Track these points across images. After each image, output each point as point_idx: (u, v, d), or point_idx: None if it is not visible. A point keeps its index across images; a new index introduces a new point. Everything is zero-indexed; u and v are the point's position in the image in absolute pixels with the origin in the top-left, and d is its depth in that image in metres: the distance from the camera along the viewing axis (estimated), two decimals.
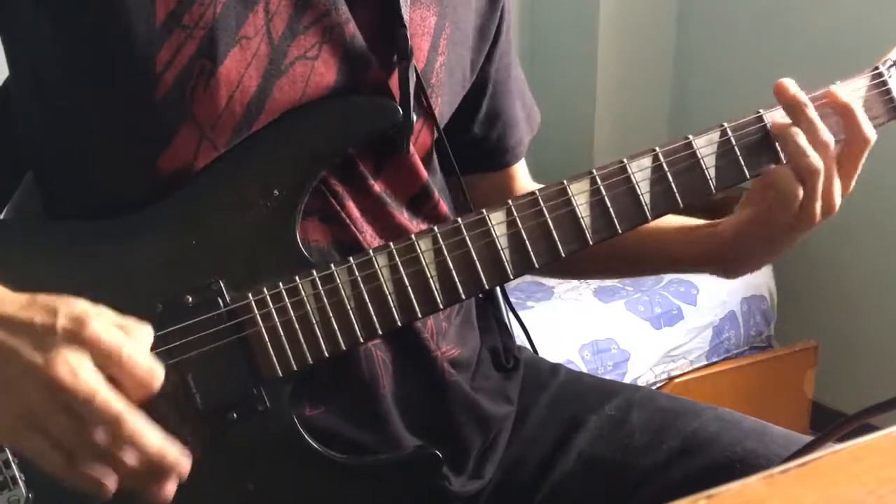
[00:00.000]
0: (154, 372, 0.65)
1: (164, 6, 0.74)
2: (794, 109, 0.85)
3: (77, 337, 0.63)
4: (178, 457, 0.66)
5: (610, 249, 0.94)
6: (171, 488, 0.67)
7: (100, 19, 0.74)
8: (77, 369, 0.62)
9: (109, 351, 0.63)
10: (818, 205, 0.85)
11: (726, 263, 0.95)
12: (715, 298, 2.36)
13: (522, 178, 1.06)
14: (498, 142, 1.02)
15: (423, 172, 0.87)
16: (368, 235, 0.82)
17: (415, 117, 0.82)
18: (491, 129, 1.01)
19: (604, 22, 2.78)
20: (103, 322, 0.64)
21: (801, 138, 0.84)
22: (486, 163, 1.02)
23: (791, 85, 0.86)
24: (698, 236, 0.96)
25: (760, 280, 2.43)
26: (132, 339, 0.65)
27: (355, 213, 0.82)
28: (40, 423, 0.63)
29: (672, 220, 0.96)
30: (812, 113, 0.85)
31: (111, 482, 0.65)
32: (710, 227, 0.95)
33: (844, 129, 0.86)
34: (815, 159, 0.84)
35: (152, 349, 0.70)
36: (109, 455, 0.64)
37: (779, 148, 0.86)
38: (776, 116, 0.86)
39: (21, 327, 0.64)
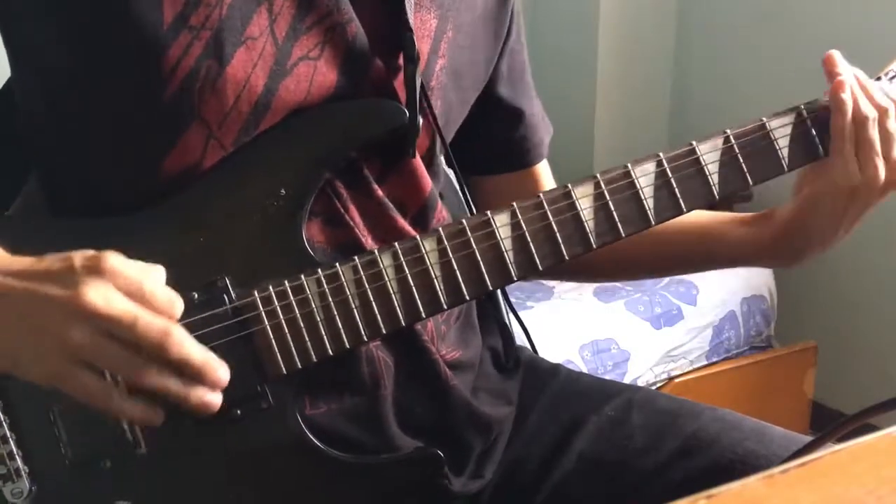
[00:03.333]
0: (174, 301, 0.67)
1: (171, 8, 0.74)
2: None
3: (98, 270, 0.65)
4: (221, 364, 0.68)
5: (656, 250, 0.96)
6: (217, 398, 0.69)
7: (107, 21, 0.75)
8: (108, 297, 0.64)
9: (131, 281, 0.65)
10: (879, 160, 0.86)
11: (788, 251, 0.95)
12: (715, 298, 2.36)
13: (546, 180, 1.06)
14: (521, 140, 1.02)
15: (428, 179, 0.87)
16: (370, 239, 0.82)
17: (420, 121, 0.83)
18: (514, 127, 1.01)
19: (604, 22, 2.78)
20: (118, 257, 0.66)
21: (854, 87, 0.86)
22: (510, 162, 1.02)
23: (839, 59, 0.88)
24: (755, 229, 0.96)
25: (760, 280, 2.43)
26: (150, 272, 0.67)
27: (358, 216, 0.82)
28: (86, 356, 0.65)
29: (714, 217, 0.97)
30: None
31: (162, 403, 0.68)
32: (763, 218, 0.96)
33: None
34: (868, 106, 0.85)
35: None
36: (154, 372, 0.66)
37: (816, 140, 0.87)
38: (779, 124, 0.87)
39: (41, 275, 0.66)
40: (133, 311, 0.65)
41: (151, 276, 0.67)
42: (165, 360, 0.66)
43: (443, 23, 0.88)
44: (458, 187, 0.98)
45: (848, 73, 0.87)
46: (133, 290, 0.66)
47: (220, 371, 0.69)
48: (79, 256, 0.66)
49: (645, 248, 0.96)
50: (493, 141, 1.00)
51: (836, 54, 0.88)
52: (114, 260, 0.66)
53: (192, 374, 0.68)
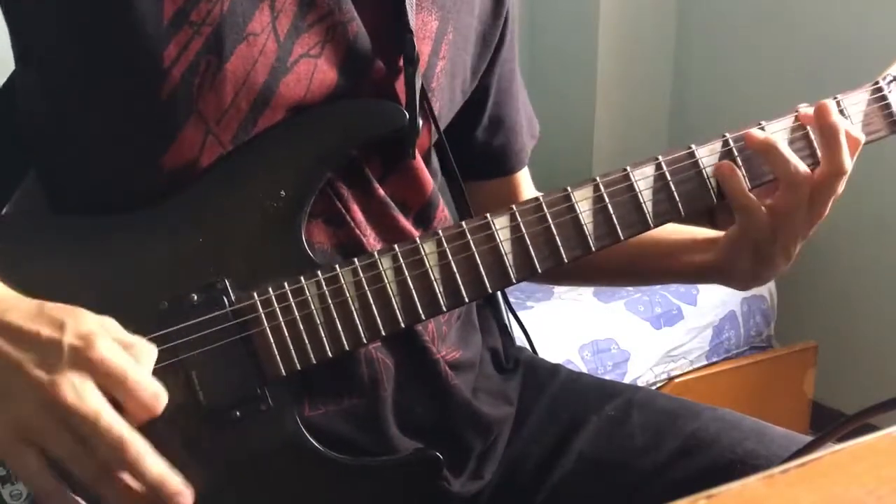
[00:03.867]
0: (158, 396, 0.65)
1: (171, 3, 0.74)
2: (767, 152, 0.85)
3: (83, 357, 0.63)
4: (178, 487, 0.65)
5: (618, 260, 0.94)
6: None
7: (107, 16, 0.75)
8: (81, 391, 0.62)
9: (115, 375, 0.63)
10: (802, 212, 0.85)
11: (727, 277, 0.95)
12: (715, 298, 2.36)
13: (526, 187, 1.06)
14: (501, 148, 1.02)
15: (429, 178, 0.87)
16: (372, 239, 0.82)
17: (421, 122, 0.83)
18: (494, 135, 1.01)
19: (604, 22, 2.78)
20: (109, 343, 0.64)
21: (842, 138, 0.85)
22: (489, 169, 1.02)
23: (758, 134, 0.86)
24: (700, 249, 0.96)
25: None
26: (137, 362, 0.65)
27: (359, 216, 0.82)
28: (38, 439, 0.63)
29: (677, 231, 0.96)
30: (784, 148, 0.85)
31: None
32: (710, 241, 0.95)
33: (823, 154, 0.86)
34: (847, 161, 0.84)
35: (157, 346, 0.70)
36: (105, 478, 0.64)
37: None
38: (778, 128, 0.87)
39: (27, 340, 0.63)
40: (96, 412, 0.62)
41: (138, 367, 0.65)
42: (121, 469, 0.63)
43: (444, 24, 0.88)
44: (455, 189, 0.98)
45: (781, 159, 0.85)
46: (114, 382, 0.63)
47: (179, 493, 0.65)
48: (71, 332, 0.63)
49: (618, 256, 0.94)
50: (473, 147, 1.00)
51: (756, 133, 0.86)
52: (104, 346, 0.63)
53: (148, 488, 0.64)
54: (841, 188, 0.86)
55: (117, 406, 0.64)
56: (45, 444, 0.63)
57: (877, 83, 0.91)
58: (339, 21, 0.80)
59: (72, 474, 0.64)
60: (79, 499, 0.65)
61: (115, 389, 0.63)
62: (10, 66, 0.84)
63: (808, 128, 0.87)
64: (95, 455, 0.63)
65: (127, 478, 0.64)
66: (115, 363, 0.63)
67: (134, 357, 0.65)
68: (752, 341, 2.45)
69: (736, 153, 0.86)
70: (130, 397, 0.64)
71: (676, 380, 2.31)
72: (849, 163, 0.85)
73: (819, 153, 0.86)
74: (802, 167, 0.84)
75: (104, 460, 0.63)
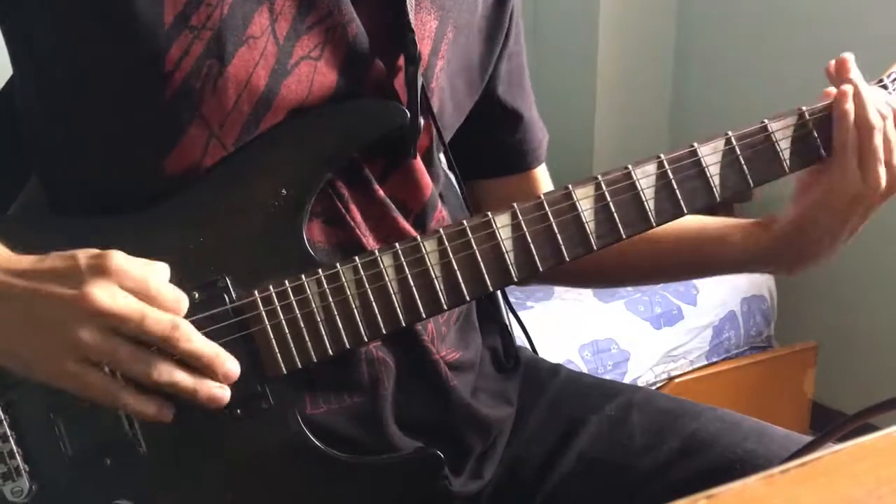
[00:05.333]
0: (179, 299, 0.68)
1: (171, 8, 0.74)
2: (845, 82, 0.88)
3: (103, 268, 0.65)
4: (230, 357, 0.70)
5: (654, 255, 0.96)
6: (226, 392, 0.70)
7: (108, 21, 0.75)
8: (114, 294, 0.65)
9: (136, 280, 0.66)
10: (881, 167, 0.86)
11: (789, 258, 0.95)
12: (715, 298, 2.36)
13: (545, 183, 1.06)
14: (520, 144, 1.02)
15: (429, 179, 0.87)
16: (371, 239, 0.82)
17: (422, 122, 0.83)
18: (513, 131, 1.01)
19: (604, 22, 2.78)
20: (123, 256, 0.67)
21: (859, 95, 0.87)
22: (508, 165, 1.02)
23: (852, 65, 0.89)
24: (754, 235, 0.96)
25: (760, 280, 2.43)
26: (155, 270, 0.68)
27: (359, 217, 0.82)
28: (94, 355, 0.66)
29: (713, 222, 0.97)
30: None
31: (170, 400, 0.69)
32: (763, 224, 0.96)
33: None
34: (874, 114, 0.86)
35: None
36: (164, 366, 0.67)
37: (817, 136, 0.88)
38: (781, 126, 0.87)
39: (46, 274, 0.66)
40: (140, 308, 0.65)
41: (156, 274, 0.68)
42: (174, 356, 0.67)
43: (443, 24, 0.88)
44: (458, 189, 0.98)
45: (853, 80, 0.87)
46: (139, 288, 0.66)
47: (229, 364, 0.70)
48: (83, 255, 0.66)
49: (642, 254, 0.96)
50: (492, 144, 1.00)
51: (850, 59, 0.89)
52: (118, 258, 0.66)
53: (201, 368, 0.68)
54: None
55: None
56: (100, 355, 0.66)
57: (881, 81, 0.91)
58: (338, 22, 0.80)
59: (133, 376, 0.67)
60: (152, 402, 0.69)
61: (139, 293, 0.66)
62: (10, 68, 0.84)
63: (811, 125, 0.88)
64: (148, 350, 0.66)
65: (187, 362, 0.67)
66: (133, 268, 0.66)
67: (149, 266, 0.68)
68: (752, 341, 2.45)
69: (738, 151, 0.86)
70: (155, 300, 0.67)
71: (676, 380, 2.31)
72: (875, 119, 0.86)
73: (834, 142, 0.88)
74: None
75: (157, 354, 0.67)
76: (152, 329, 0.66)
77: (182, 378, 0.68)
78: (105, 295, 0.65)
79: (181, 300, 0.69)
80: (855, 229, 0.91)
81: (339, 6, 0.80)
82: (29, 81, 0.82)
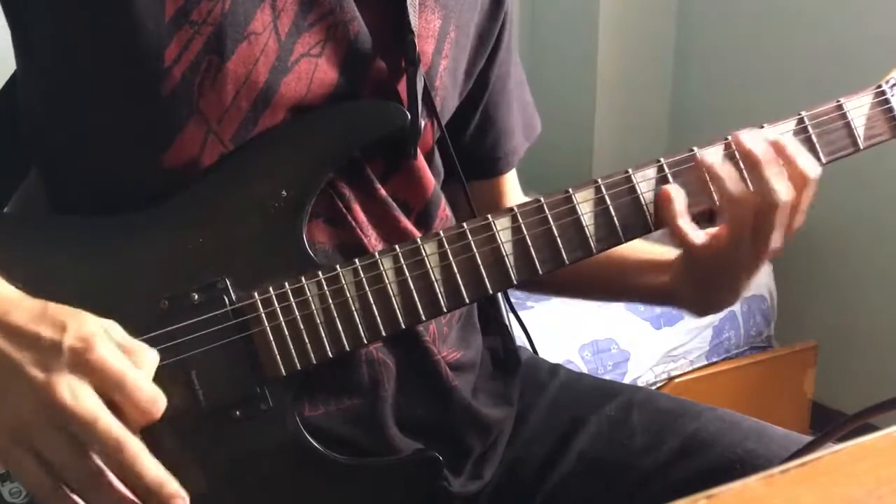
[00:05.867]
0: (156, 401, 0.65)
1: (172, 2, 0.74)
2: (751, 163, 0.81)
3: (82, 360, 0.62)
4: (176, 490, 0.65)
5: (590, 273, 0.94)
6: None
7: (108, 15, 0.75)
8: (78, 393, 0.62)
9: (113, 377, 0.63)
10: (746, 241, 0.81)
11: (679, 302, 0.94)
12: None
13: (511, 189, 1.05)
14: (490, 150, 1.01)
15: (431, 178, 0.87)
16: (373, 239, 0.82)
17: (423, 123, 0.82)
18: (484, 136, 1.00)
19: (604, 22, 2.78)
20: (109, 346, 0.64)
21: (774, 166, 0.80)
22: (475, 170, 1.00)
23: (746, 139, 0.81)
24: (658, 271, 0.94)
25: (760, 280, 2.43)
26: (136, 366, 0.65)
27: (361, 216, 0.82)
28: (33, 441, 0.62)
29: (643, 251, 0.96)
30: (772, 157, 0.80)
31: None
32: (669, 264, 0.93)
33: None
34: (784, 191, 0.79)
35: (157, 346, 0.70)
36: (100, 485, 0.63)
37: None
38: (784, 129, 0.86)
39: (27, 341, 0.63)
40: (94, 413, 0.62)
41: (137, 371, 0.65)
42: (117, 472, 0.63)
43: (446, 23, 0.88)
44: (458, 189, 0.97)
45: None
46: (112, 385, 0.63)
47: (178, 493, 0.65)
48: (73, 333, 0.63)
49: (590, 270, 0.93)
50: (461, 147, 0.98)
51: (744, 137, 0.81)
52: (103, 349, 0.63)
53: (144, 493, 0.64)
54: (782, 220, 0.80)
55: (116, 412, 0.64)
56: (41, 447, 0.62)
57: (880, 87, 0.91)
58: (340, 20, 0.80)
59: (67, 482, 0.63)
60: (77, 499, 0.64)
61: (112, 392, 0.63)
62: (10, 65, 0.84)
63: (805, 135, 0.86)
64: (90, 460, 0.62)
65: (119, 485, 0.63)
66: (113, 366, 0.63)
67: (135, 361, 0.65)
68: (752, 341, 2.45)
69: (739, 156, 0.85)
70: (128, 401, 0.64)
71: (676, 380, 2.31)
72: (781, 193, 0.78)
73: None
74: (739, 189, 0.79)
75: (97, 468, 0.62)
76: (98, 438, 0.62)
77: (116, 500, 0.63)
78: (68, 393, 0.61)
79: (157, 401, 0.65)
80: (742, 284, 0.86)
81: (341, 4, 0.80)
82: (31, 75, 0.82)
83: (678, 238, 0.82)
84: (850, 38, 2.38)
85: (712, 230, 0.83)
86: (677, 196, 0.81)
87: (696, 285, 0.89)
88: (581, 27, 2.84)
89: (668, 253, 0.94)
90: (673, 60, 2.94)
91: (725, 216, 0.81)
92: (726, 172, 0.80)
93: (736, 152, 0.81)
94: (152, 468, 0.64)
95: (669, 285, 0.93)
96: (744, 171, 0.80)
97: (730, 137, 0.82)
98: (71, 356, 0.62)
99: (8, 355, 0.63)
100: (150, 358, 0.67)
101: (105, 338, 0.64)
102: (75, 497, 0.64)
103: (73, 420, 0.61)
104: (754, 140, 0.80)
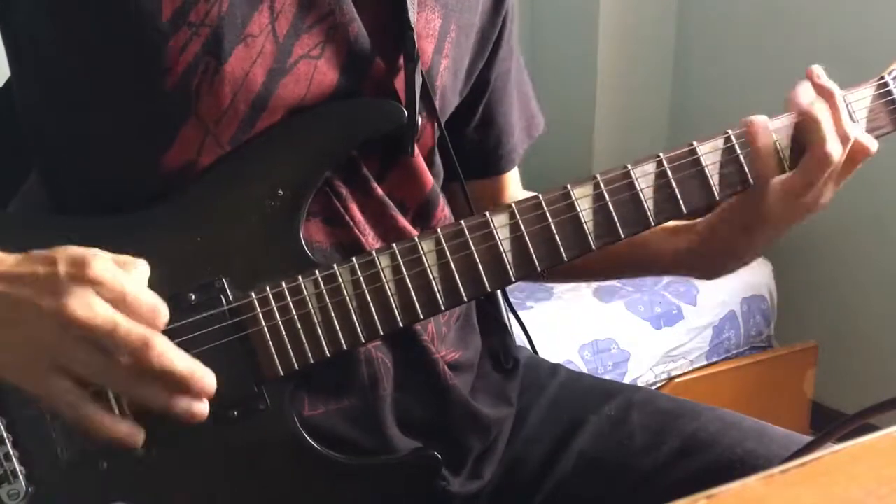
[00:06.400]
0: (157, 307, 0.66)
1: (170, 4, 0.74)
2: (823, 93, 0.86)
3: (82, 277, 0.64)
4: (207, 372, 0.67)
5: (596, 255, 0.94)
6: (204, 407, 0.68)
7: (106, 16, 0.75)
8: (91, 305, 0.64)
9: (114, 288, 0.65)
10: (812, 192, 0.84)
11: (697, 262, 0.95)
12: (715, 298, 2.36)
13: (513, 187, 1.06)
14: (493, 148, 1.01)
15: (429, 176, 0.87)
16: (371, 238, 0.82)
17: (420, 120, 0.82)
18: (486, 135, 1.00)
19: (604, 22, 2.78)
20: (103, 262, 0.65)
21: (828, 125, 0.84)
22: (477, 168, 1.00)
23: (821, 72, 0.87)
24: (675, 234, 0.95)
25: (760, 280, 2.43)
26: (132, 277, 0.67)
27: (358, 215, 0.82)
28: (65, 363, 0.65)
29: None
30: (840, 101, 0.85)
31: (141, 422, 0.68)
32: (685, 227, 0.95)
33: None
34: (836, 149, 0.83)
35: None
36: (137, 382, 0.65)
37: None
38: (780, 125, 0.86)
39: (25, 279, 0.65)
40: (112, 320, 0.64)
41: (132, 282, 0.66)
42: (148, 369, 0.65)
43: (446, 23, 0.88)
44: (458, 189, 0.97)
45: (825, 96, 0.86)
46: (115, 296, 0.65)
47: (207, 379, 0.67)
48: (63, 261, 0.65)
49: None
50: (462, 146, 0.98)
51: (819, 69, 0.87)
52: (98, 266, 0.65)
53: (175, 384, 0.66)
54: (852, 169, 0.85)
55: None
56: (73, 365, 0.65)
57: (882, 78, 0.91)
58: (339, 22, 0.80)
59: (109, 387, 0.67)
60: (122, 420, 0.68)
61: (116, 304, 0.65)
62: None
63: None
64: (122, 365, 0.65)
65: (160, 378, 0.65)
66: (112, 279, 0.65)
67: (129, 273, 0.67)
68: (752, 341, 2.45)
69: (738, 150, 0.85)
70: (131, 309, 0.65)
71: (676, 380, 2.31)
72: (834, 150, 0.83)
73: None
74: (839, 148, 0.83)
75: (129, 366, 0.65)
76: (124, 342, 0.64)
77: (153, 393, 0.66)
78: (80, 305, 0.63)
79: (159, 308, 0.66)
80: (761, 244, 0.90)
81: (340, 5, 0.80)
82: (29, 77, 0.82)
83: (764, 174, 0.84)
84: (851, 38, 2.38)
85: (786, 179, 0.84)
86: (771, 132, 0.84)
87: (737, 234, 0.89)
88: (581, 27, 2.84)
89: (676, 221, 0.96)
90: (673, 60, 2.94)
91: (810, 162, 0.83)
92: (826, 120, 0.84)
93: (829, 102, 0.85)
94: (182, 358, 0.66)
95: (695, 242, 0.93)
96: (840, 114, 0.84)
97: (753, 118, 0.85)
98: (70, 279, 0.64)
99: (14, 295, 0.65)
100: (141, 269, 0.68)
101: (95, 255, 0.66)
102: (109, 415, 0.67)
103: (94, 330, 0.64)
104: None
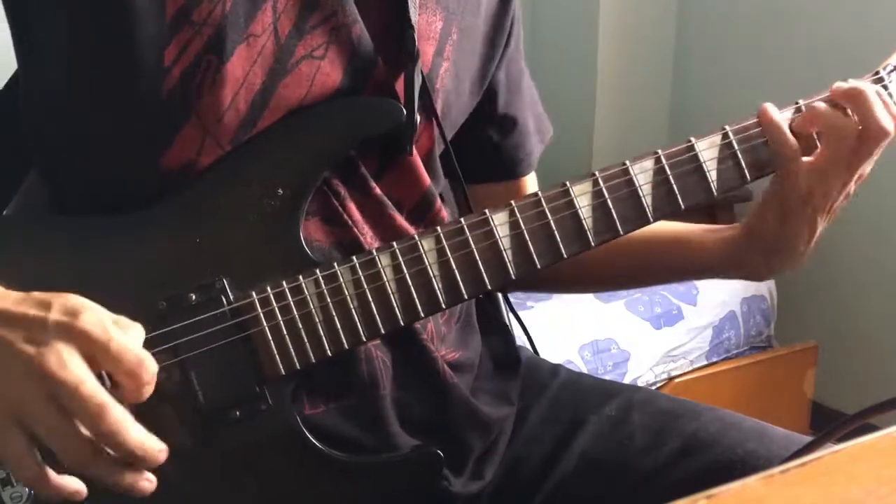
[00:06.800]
0: (143, 362, 0.65)
1: (173, 3, 0.74)
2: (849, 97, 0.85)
3: (68, 329, 0.63)
4: (159, 450, 0.65)
5: (623, 262, 0.95)
6: (151, 485, 0.66)
7: (109, 14, 0.75)
8: (65, 360, 0.62)
9: (98, 342, 0.63)
10: (842, 169, 0.85)
11: (743, 262, 0.94)
12: (715, 298, 2.35)
13: (532, 190, 1.05)
14: (513, 150, 1.01)
15: (426, 176, 0.87)
16: (369, 237, 0.82)
17: (418, 118, 0.82)
18: (506, 136, 1.00)
19: (604, 22, 2.78)
20: (94, 315, 0.64)
21: (875, 99, 0.84)
22: (501, 171, 1.01)
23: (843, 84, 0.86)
24: (715, 236, 0.95)
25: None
26: (122, 332, 0.65)
27: (357, 214, 0.82)
28: (24, 416, 0.63)
29: (683, 225, 0.96)
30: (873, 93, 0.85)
31: (85, 484, 0.65)
32: (731, 227, 0.94)
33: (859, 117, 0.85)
34: (887, 121, 0.84)
35: (155, 347, 0.70)
36: (89, 456, 0.64)
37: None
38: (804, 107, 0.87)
39: (15, 320, 0.64)
40: (79, 379, 0.62)
41: (122, 335, 0.65)
42: (101, 437, 0.63)
43: (448, 25, 0.88)
44: (458, 192, 0.97)
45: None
46: (99, 347, 0.63)
47: (159, 454, 0.65)
48: (57, 308, 0.64)
49: (619, 257, 0.95)
50: (484, 149, 0.99)
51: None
52: (89, 318, 0.64)
53: (126, 455, 0.64)
54: (878, 151, 0.85)
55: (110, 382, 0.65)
56: (31, 418, 0.63)
57: (877, 73, 0.91)
58: (342, 23, 0.80)
59: (57, 456, 0.64)
60: (65, 478, 0.65)
61: (100, 359, 0.64)
62: (10, 65, 0.84)
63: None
64: (77, 430, 0.63)
65: (111, 448, 0.64)
66: (97, 331, 0.64)
67: (122, 329, 0.65)
68: (752, 341, 2.45)
69: (736, 146, 0.85)
70: (115, 365, 0.64)
71: (676, 380, 2.31)
72: (884, 120, 0.84)
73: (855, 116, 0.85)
74: (848, 121, 0.84)
75: (84, 437, 0.63)
76: (82, 404, 0.62)
77: (103, 473, 0.64)
78: (56, 361, 0.62)
79: (144, 363, 0.64)
80: (810, 234, 0.90)
81: (343, 6, 0.80)
82: (32, 75, 0.82)
83: (785, 156, 0.84)
84: (850, 38, 2.38)
85: (812, 157, 0.85)
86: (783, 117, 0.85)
87: (778, 226, 0.88)
88: (581, 27, 2.84)
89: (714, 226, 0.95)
90: (673, 60, 2.94)
91: (831, 139, 0.84)
92: (829, 110, 0.85)
93: (835, 97, 0.85)
94: (134, 433, 0.64)
95: (736, 243, 0.92)
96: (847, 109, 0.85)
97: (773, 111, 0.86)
98: (57, 328, 0.63)
99: (1, 337, 0.64)
100: (135, 327, 0.67)
101: (90, 309, 0.65)
102: (64, 478, 0.65)
103: (59, 386, 0.62)
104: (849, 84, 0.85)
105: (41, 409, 0.63)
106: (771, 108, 0.86)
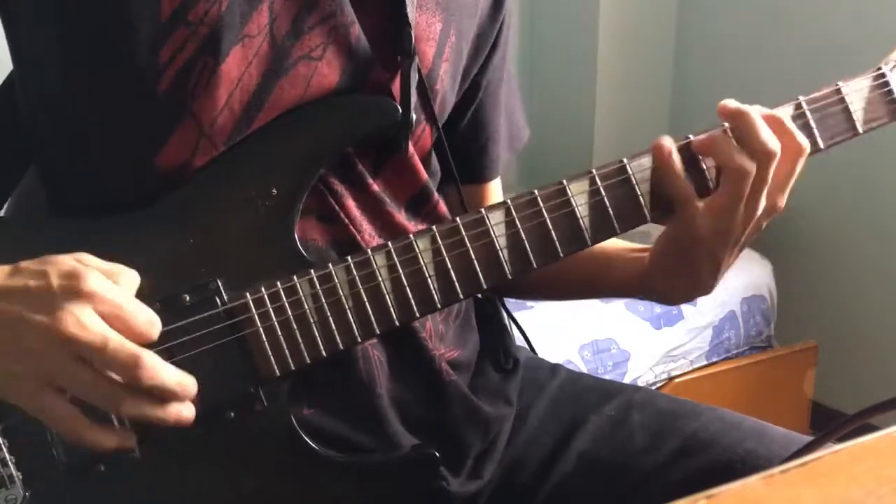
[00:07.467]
0: (153, 322, 0.67)
1: (169, 3, 0.74)
2: (731, 115, 0.81)
3: (75, 292, 0.64)
4: (191, 379, 0.68)
5: (569, 273, 0.93)
6: (191, 410, 0.68)
7: (104, 14, 0.75)
8: (84, 321, 0.64)
9: (110, 304, 0.65)
10: (740, 208, 0.80)
11: (652, 288, 0.91)
12: (715, 298, 2.35)
13: (496, 198, 1.04)
14: (478, 154, 1.00)
15: (423, 173, 0.87)
16: (367, 235, 0.82)
17: (414, 116, 0.82)
18: (474, 139, 0.99)
19: (604, 22, 2.78)
20: (96, 275, 0.65)
21: (731, 142, 0.80)
22: (463, 175, 0.97)
23: (731, 103, 0.82)
24: (631, 260, 0.93)
25: (760, 280, 2.43)
26: (124, 288, 0.67)
27: (354, 212, 0.82)
28: (58, 381, 0.65)
29: (614, 244, 0.94)
30: (754, 118, 0.80)
31: (133, 432, 0.68)
32: (642, 250, 0.93)
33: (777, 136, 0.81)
34: (745, 163, 0.79)
35: (150, 347, 0.70)
36: (128, 400, 0.65)
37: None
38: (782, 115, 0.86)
39: (17, 294, 0.65)
40: (103, 336, 0.64)
41: (129, 298, 0.67)
42: (139, 386, 0.65)
43: (447, 26, 0.88)
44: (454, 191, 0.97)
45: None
46: (111, 309, 0.65)
47: (192, 387, 0.68)
48: (55, 274, 0.65)
49: (570, 269, 0.92)
50: (452, 151, 0.97)
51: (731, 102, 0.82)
52: (92, 279, 0.65)
53: (164, 397, 0.67)
54: (777, 180, 0.80)
55: None
56: (66, 382, 0.65)
57: (879, 69, 0.90)
58: (340, 24, 0.80)
59: (97, 405, 0.66)
60: (108, 426, 0.68)
61: (111, 320, 0.65)
62: (8, 65, 0.84)
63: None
64: (112, 381, 0.65)
65: (150, 393, 0.66)
66: (107, 295, 0.65)
67: (120, 283, 0.67)
68: (752, 341, 2.44)
69: (730, 119, 0.84)
70: (127, 324, 0.65)
71: (676, 380, 2.31)
72: (774, 146, 0.79)
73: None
74: (747, 161, 0.79)
75: (119, 384, 0.65)
76: (113, 358, 0.64)
77: (145, 409, 0.66)
78: (75, 323, 0.63)
79: (153, 323, 0.67)
80: (713, 267, 0.85)
81: (341, 8, 0.80)
82: (28, 76, 0.82)
83: (678, 196, 0.81)
84: (850, 38, 2.38)
85: (709, 198, 0.81)
86: (675, 157, 0.80)
87: (678, 260, 0.85)
88: (581, 27, 2.84)
89: (639, 246, 0.94)
90: (673, 60, 2.94)
91: (725, 179, 0.80)
92: (723, 139, 0.80)
93: (726, 120, 0.81)
94: (170, 372, 0.66)
95: (645, 269, 0.90)
96: (740, 134, 0.80)
97: (726, 124, 0.82)
98: (63, 292, 0.64)
99: (8, 312, 0.65)
100: (130, 277, 0.68)
101: (86, 268, 0.65)
102: (100, 428, 0.67)
103: (85, 347, 0.63)
104: (745, 107, 0.81)
105: (72, 370, 0.64)
106: (666, 146, 0.81)
